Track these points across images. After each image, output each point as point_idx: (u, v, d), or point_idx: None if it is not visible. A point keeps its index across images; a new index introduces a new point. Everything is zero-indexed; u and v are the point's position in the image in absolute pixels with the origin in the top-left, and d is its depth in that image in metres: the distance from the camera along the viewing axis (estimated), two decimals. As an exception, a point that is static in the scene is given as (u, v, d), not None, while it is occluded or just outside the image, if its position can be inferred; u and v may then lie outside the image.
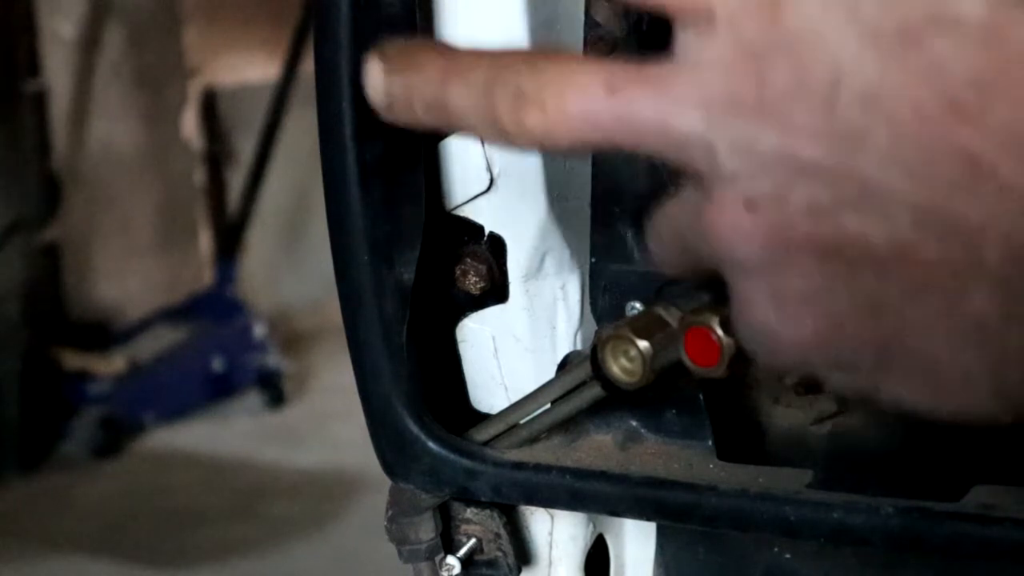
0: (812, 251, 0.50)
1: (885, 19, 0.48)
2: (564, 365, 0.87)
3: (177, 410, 4.57)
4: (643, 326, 0.72)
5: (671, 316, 0.71)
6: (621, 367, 0.73)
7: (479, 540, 0.87)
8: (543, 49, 0.58)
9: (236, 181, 5.08)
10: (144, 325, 4.78)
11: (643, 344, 0.71)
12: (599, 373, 0.75)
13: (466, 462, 0.83)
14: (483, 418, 0.87)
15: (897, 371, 0.52)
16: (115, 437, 4.40)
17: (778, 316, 0.53)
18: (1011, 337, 0.49)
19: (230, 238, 4.94)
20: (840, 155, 0.49)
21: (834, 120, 0.48)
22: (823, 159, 0.49)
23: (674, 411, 0.84)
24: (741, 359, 0.67)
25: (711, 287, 0.71)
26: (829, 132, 0.49)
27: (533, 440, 0.85)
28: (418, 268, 0.82)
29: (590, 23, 0.83)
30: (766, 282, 0.52)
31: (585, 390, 0.80)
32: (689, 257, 0.56)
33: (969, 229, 0.48)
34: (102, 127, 4.79)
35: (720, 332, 0.66)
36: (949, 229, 0.48)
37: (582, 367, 0.80)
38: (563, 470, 0.82)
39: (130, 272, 4.92)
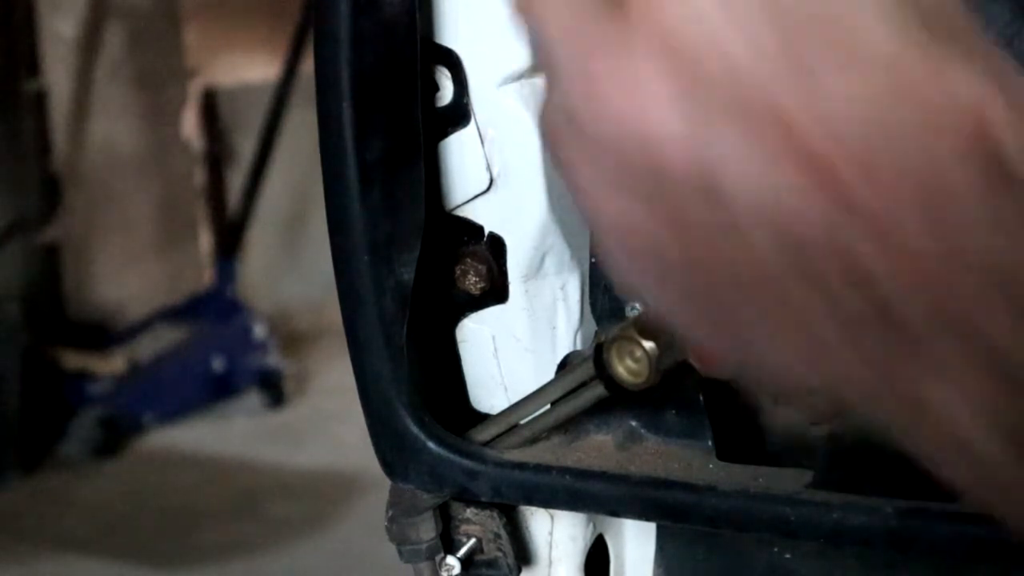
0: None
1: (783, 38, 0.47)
2: (564, 365, 0.86)
3: (177, 410, 4.57)
4: (648, 327, 0.72)
5: (673, 316, 0.71)
6: (627, 368, 0.73)
7: (479, 540, 0.87)
8: None
9: (236, 181, 5.08)
10: (144, 325, 4.77)
11: (649, 345, 0.71)
12: (603, 374, 0.75)
13: (466, 462, 0.83)
14: (483, 418, 0.87)
15: (751, 367, 0.52)
16: (115, 437, 4.39)
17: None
18: (844, 351, 0.48)
19: (230, 238, 4.93)
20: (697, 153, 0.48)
21: (702, 115, 0.47)
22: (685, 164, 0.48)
23: (674, 411, 0.84)
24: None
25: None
26: (692, 122, 0.47)
27: (533, 440, 0.85)
28: (418, 268, 0.82)
29: (590, 23, 0.83)
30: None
31: (586, 390, 0.80)
32: None
33: (810, 240, 0.47)
34: (102, 127, 4.79)
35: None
36: (790, 239, 0.47)
37: (583, 367, 0.80)
38: (563, 470, 0.82)
39: (130, 272, 4.92)
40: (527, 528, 0.90)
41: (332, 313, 0.89)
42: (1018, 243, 0.46)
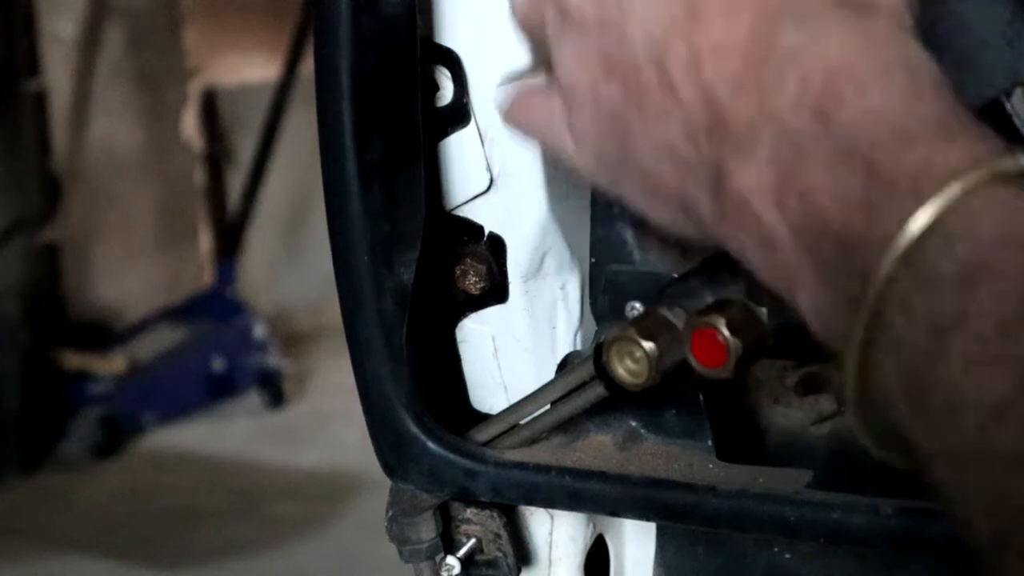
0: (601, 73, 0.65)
1: None
2: (564, 365, 0.86)
3: (177, 410, 4.57)
4: (648, 327, 0.72)
5: (676, 317, 0.72)
6: (626, 368, 0.73)
7: (479, 540, 0.87)
8: None
9: (236, 181, 5.07)
10: (144, 325, 4.77)
11: (649, 346, 0.71)
12: (603, 374, 0.75)
13: (466, 462, 0.83)
14: (483, 418, 0.87)
15: (629, 174, 0.65)
16: (115, 437, 4.39)
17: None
18: (691, 165, 0.61)
19: (230, 238, 4.93)
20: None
21: None
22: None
23: (674, 411, 0.84)
24: (747, 360, 0.68)
25: (715, 288, 0.71)
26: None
27: (533, 440, 0.85)
28: (418, 268, 0.82)
29: (590, 23, 0.83)
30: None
31: (586, 390, 0.80)
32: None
33: (676, 66, 0.61)
34: (102, 127, 4.78)
35: (727, 333, 0.66)
36: (662, 61, 0.61)
37: (583, 367, 0.80)
38: (563, 470, 0.81)
39: (130, 272, 4.92)
40: (527, 528, 0.90)
41: (332, 313, 0.89)
42: None
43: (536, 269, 0.85)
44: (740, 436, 0.87)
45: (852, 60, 0.57)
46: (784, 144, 0.57)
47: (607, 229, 0.85)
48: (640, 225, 0.84)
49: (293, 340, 5.06)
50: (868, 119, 0.55)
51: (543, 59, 0.71)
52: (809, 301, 0.57)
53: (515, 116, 0.76)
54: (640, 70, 0.63)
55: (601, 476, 0.81)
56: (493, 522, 0.87)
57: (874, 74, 0.56)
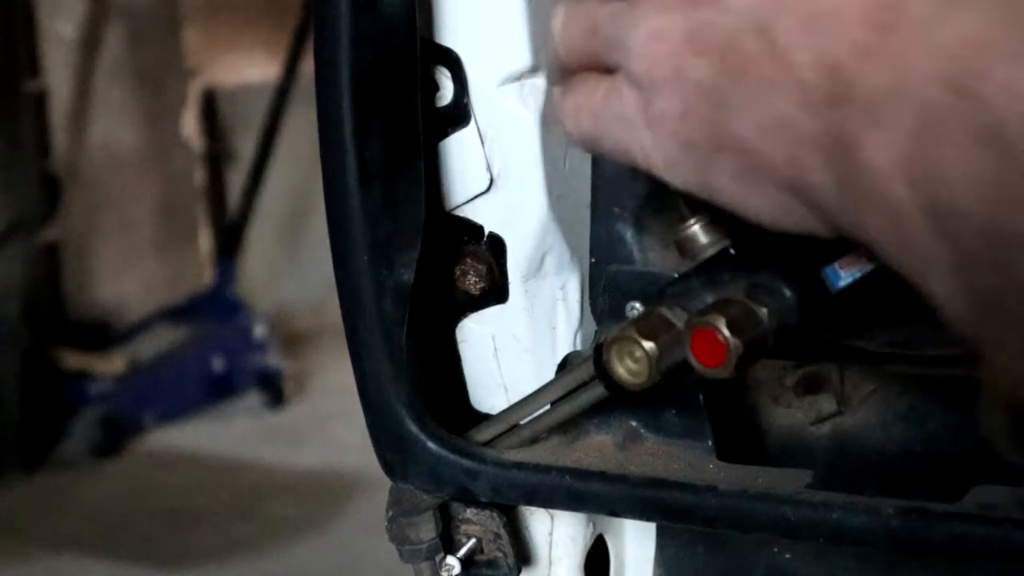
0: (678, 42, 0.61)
1: None
2: (564, 366, 0.86)
3: (177, 410, 4.57)
4: (648, 327, 0.72)
5: (676, 317, 0.72)
6: (627, 368, 0.73)
7: (479, 540, 0.87)
8: None
9: (236, 181, 5.08)
10: (144, 325, 4.77)
11: (649, 345, 0.71)
12: (603, 374, 0.75)
13: (466, 462, 0.83)
14: (483, 419, 0.87)
15: (726, 158, 0.61)
16: (115, 437, 4.40)
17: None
18: (805, 136, 0.57)
19: (230, 238, 4.93)
20: None
21: None
22: None
23: (674, 411, 0.84)
24: (747, 360, 0.67)
25: (715, 288, 0.71)
26: None
27: (533, 440, 0.85)
28: (418, 268, 0.82)
29: (590, 23, 0.83)
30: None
31: (586, 391, 0.80)
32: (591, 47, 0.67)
33: (786, 33, 0.57)
34: (102, 127, 4.79)
35: (727, 333, 0.66)
36: (767, 29, 0.57)
37: (583, 368, 0.80)
38: (563, 470, 0.81)
39: (130, 272, 4.92)
40: (527, 528, 0.90)
41: (332, 313, 0.89)
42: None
43: (536, 269, 0.85)
44: (740, 436, 0.87)
45: (994, 32, 0.52)
46: (918, 118, 0.53)
47: (607, 229, 0.85)
48: (640, 225, 0.84)
49: (293, 340, 5.06)
50: (1009, 99, 0.51)
51: (589, 60, 0.67)
52: (942, 290, 0.54)
53: (573, 117, 0.69)
54: (739, 42, 0.58)
55: (601, 476, 0.81)
56: (493, 522, 0.87)
57: (1018, 48, 0.52)
